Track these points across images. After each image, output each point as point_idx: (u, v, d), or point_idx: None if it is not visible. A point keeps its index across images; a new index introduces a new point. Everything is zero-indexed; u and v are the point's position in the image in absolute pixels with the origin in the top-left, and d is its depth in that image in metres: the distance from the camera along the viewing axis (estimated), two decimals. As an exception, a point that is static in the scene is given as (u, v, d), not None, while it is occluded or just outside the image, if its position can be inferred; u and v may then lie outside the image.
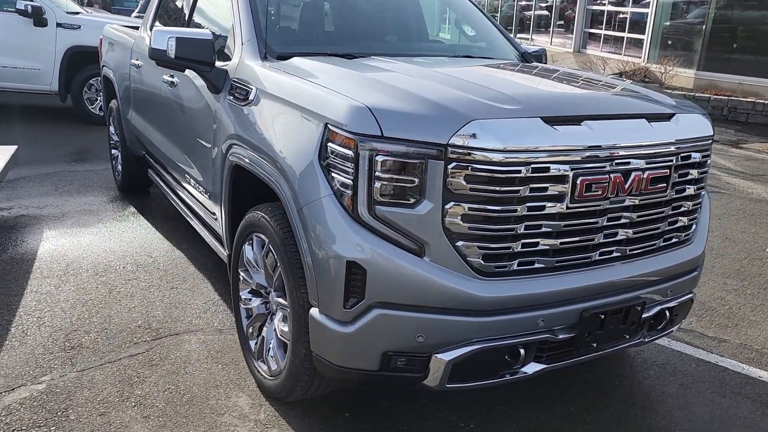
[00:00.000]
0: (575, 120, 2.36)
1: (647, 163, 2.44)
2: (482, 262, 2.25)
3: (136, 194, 5.64)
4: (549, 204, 2.28)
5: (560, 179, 2.27)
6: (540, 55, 4.16)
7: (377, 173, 2.18)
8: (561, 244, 2.35)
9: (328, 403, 2.84)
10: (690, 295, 2.80)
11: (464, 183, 2.17)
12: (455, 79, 2.74)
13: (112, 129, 5.76)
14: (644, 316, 2.59)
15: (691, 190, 2.66)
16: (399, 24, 4.06)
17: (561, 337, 2.40)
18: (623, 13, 15.66)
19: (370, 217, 2.22)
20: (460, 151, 2.15)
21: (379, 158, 2.17)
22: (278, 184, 2.53)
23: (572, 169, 2.27)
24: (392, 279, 2.21)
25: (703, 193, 2.82)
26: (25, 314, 3.48)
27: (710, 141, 2.71)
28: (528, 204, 2.24)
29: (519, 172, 2.19)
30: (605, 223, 2.43)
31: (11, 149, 5.11)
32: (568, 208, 2.31)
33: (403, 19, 4.11)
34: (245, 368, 3.05)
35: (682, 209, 2.68)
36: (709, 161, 2.75)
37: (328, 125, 2.32)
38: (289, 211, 2.46)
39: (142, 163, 5.10)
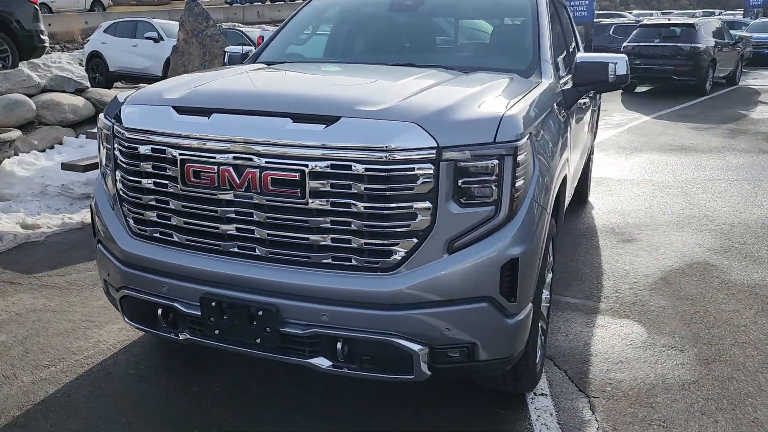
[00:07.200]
0: (206, 112, 2.49)
1: (267, 163, 2.34)
2: (132, 223, 2.70)
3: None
4: (170, 183, 2.53)
5: (171, 162, 2.50)
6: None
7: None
8: (185, 223, 2.55)
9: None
10: (382, 338, 2.35)
11: (117, 154, 2.70)
12: (247, 81, 3.07)
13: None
14: (288, 330, 2.42)
15: (360, 206, 2.29)
16: (404, 38, 4.02)
17: (186, 311, 2.58)
18: None
19: (100, 174, 2.95)
20: (115, 129, 2.69)
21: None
22: None
23: (180, 155, 2.46)
24: (99, 221, 2.90)
25: (420, 217, 2.29)
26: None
27: (400, 155, 2.26)
28: (153, 180, 2.57)
29: (136, 149, 2.57)
30: (233, 216, 2.45)
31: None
32: (182, 190, 2.50)
33: (417, 33, 4.04)
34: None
35: (353, 227, 2.32)
36: (423, 180, 2.26)
37: None
38: None
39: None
